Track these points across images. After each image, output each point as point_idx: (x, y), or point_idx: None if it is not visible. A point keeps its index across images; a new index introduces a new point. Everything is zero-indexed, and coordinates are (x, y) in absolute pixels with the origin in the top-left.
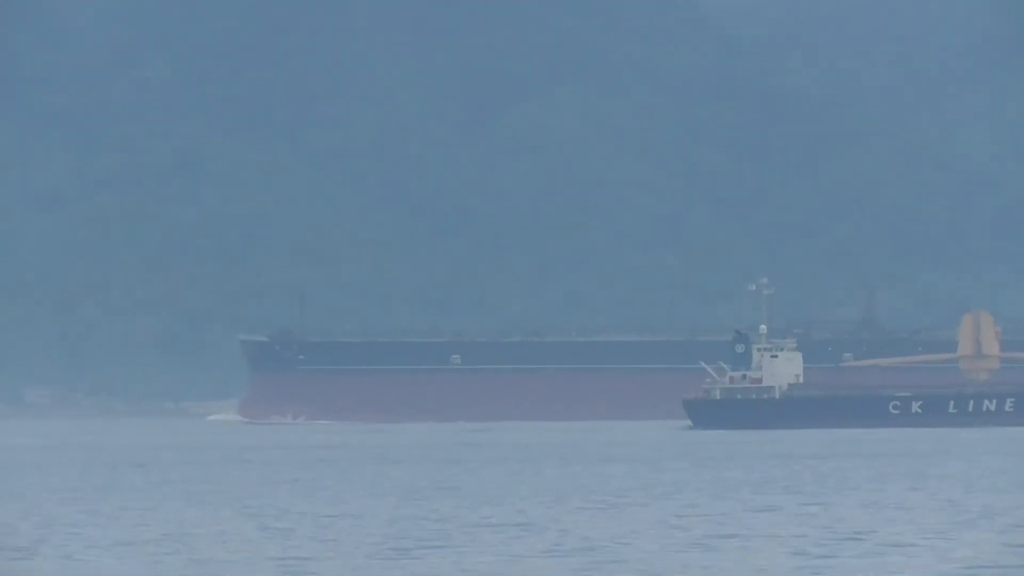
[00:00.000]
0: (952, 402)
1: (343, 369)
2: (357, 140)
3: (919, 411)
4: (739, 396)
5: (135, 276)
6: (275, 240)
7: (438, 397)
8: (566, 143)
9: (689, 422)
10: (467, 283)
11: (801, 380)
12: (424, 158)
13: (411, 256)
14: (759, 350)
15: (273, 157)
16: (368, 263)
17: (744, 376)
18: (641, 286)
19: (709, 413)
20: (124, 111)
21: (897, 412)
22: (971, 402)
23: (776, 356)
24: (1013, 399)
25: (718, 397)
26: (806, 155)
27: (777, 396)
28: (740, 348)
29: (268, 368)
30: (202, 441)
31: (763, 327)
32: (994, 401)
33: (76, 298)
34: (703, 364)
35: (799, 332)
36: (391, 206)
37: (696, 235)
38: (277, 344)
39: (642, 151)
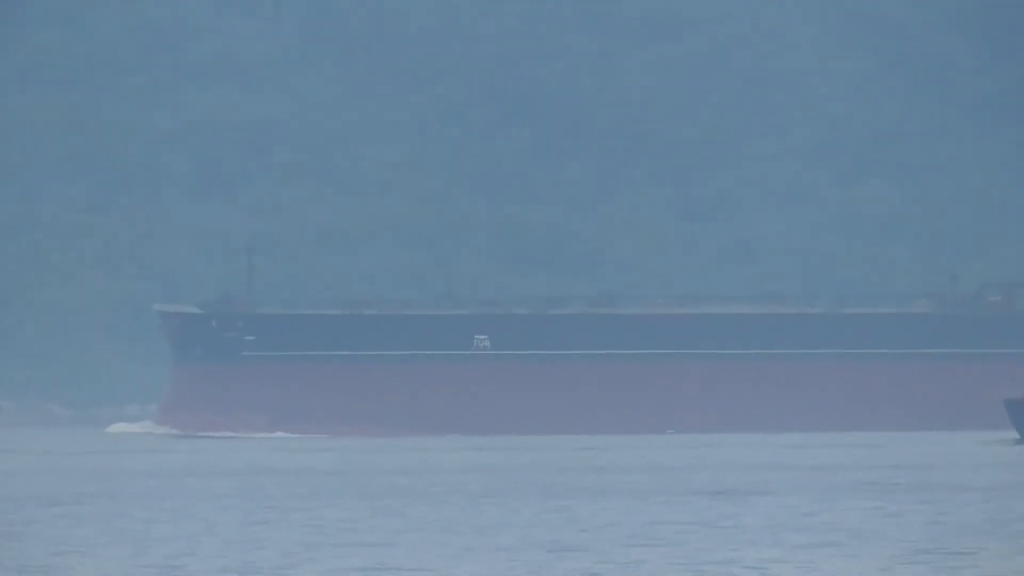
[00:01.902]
0: None
1: (312, 356)
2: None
3: None
4: None
5: (80, 214)
6: (290, 159)
7: (455, 398)
8: (724, 9)
9: (1016, 433)
10: (574, 222)
11: None
12: (498, 32)
13: (479, 181)
14: None
15: (284, 31)
16: (416, 192)
17: None
18: (837, 230)
19: None
20: None
21: None
22: None
23: None
24: None
25: None
26: None
27: None
28: None
29: (200, 354)
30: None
31: None
32: None
33: None
34: None
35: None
36: (458, 99)
37: (924, 157)
38: (214, 318)
39: (836, 26)
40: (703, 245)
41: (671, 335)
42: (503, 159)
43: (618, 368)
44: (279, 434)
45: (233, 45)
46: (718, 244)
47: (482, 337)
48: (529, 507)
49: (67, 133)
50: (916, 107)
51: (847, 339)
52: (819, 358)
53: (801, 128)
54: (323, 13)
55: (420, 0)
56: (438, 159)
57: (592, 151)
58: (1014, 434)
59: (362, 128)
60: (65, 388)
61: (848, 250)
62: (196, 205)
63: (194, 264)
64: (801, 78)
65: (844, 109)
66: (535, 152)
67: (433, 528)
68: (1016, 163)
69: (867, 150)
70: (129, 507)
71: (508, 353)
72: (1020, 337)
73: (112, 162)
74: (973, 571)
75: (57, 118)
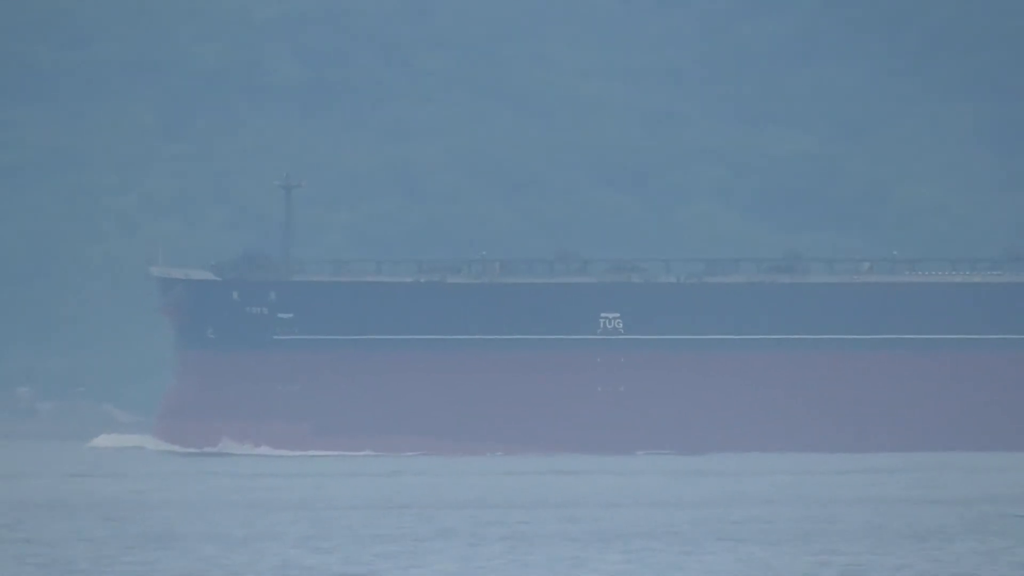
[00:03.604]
0: None
1: (373, 342)
2: None
3: None
4: None
5: (145, 140)
6: (441, 64)
7: (573, 399)
8: None
9: None
10: (843, 152)
11: None
12: None
13: (710, 95)
14: None
15: None
16: (623, 111)
17: None
18: None
19: None
20: None
21: None
22: None
23: None
24: None
25: None
26: None
27: None
28: None
29: (214, 338)
30: None
31: None
32: None
33: None
34: None
35: None
36: None
37: None
38: (234, 287)
39: None
40: None
41: (877, 312)
42: (744, 65)
43: (801, 358)
44: (327, 452)
45: None
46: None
47: (612, 315)
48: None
49: (129, 29)
50: None
51: None
52: None
53: None
54: None
55: None
56: (653, 66)
57: (868, 50)
58: None
59: (544, 21)
60: (123, 383)
61: None
62: (307, 125)
63: (308, 208)
64: None
65: None
66: (788, 53)
67: None
68: None
69: None
70: None
71: (647, 338)
72: None
73: (191, 67)
74: None
75: (117, 8)
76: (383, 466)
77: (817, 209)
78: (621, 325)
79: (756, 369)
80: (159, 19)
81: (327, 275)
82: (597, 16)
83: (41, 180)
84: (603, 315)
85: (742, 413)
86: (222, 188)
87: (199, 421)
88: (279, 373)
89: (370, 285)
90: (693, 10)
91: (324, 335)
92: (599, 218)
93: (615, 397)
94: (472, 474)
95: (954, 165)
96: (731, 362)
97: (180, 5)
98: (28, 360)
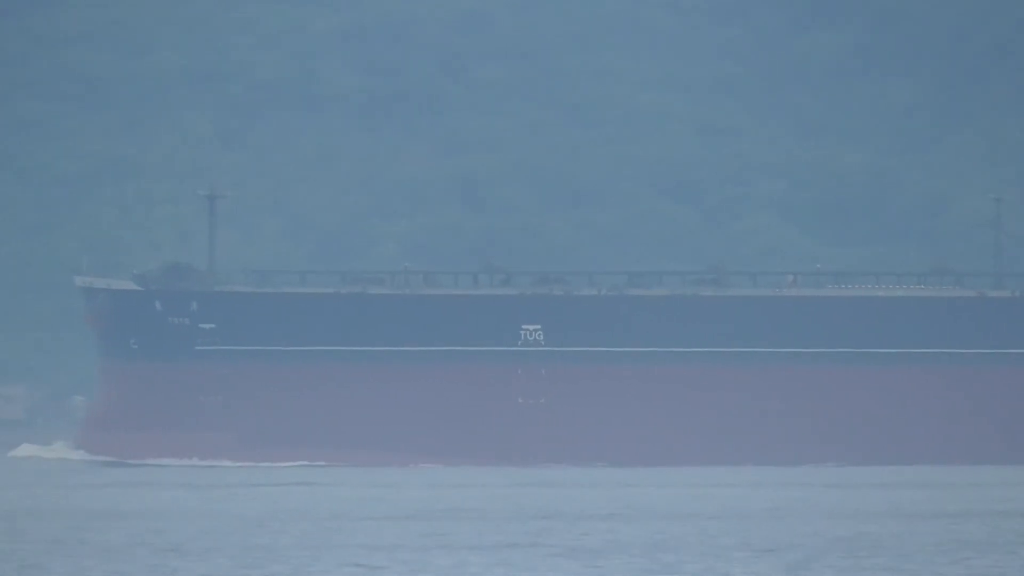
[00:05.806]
0: None
1: (295, 353)
2: None
3: None
4: None
5: (203, 149)
6: (498, 74)
7: (494, 411)
8: None
9: None
10: (901, 167)
11: None
12: None
13: (768, 108)
14: None
15: None
16: (680, 122)
17: None
18: None
19: None
20: None
21: None
22: None
23: None
24: None
25: None
26: None
27: None
28: None
29: (137, 349)
30: None
31: None
32: None
33: None
34: None
35: None
36: None
37: None
38: (157, 297)
39: None
40: None
41: (799, 326)
42: (801, 78)
43: (721, 372)
44: (249, 463)
45: None
46: None
47: (533, 327)
48: None
49: (189, 38)
50: None
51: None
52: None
53: None
54: None
55: None
56: (711, 78)
57: (926, 64)
58: None
59: (601, 32)
60: None
61: None
62: (364, 135)
63: (365, 219)
64: None
65: None
66: (845, 67)
67: None
68: None
69: None
70: None
71: (568, 350)
72: None
73: (248, 77)
74: None
75: (175, 17)
76: (301, 476)
77: (874, 223)
78: (542, 337)
79: (676, 382)
80: (217, 29)
81: (250, 286)
82: (654, 28)
83: (98, 189)
84: (524, 327)
85: (662, 426)
86: (281, 202)
87: (121, 431)
88: (201, 384)
89: (292, 296)
90: (751, 23)
91: (246, 346)
92: (656, 230)
93: (536, 409)
94: (387, 486)
95: (1012, 180)
96: (651, 375)
97: (238, 15)
98: (84, 369)
